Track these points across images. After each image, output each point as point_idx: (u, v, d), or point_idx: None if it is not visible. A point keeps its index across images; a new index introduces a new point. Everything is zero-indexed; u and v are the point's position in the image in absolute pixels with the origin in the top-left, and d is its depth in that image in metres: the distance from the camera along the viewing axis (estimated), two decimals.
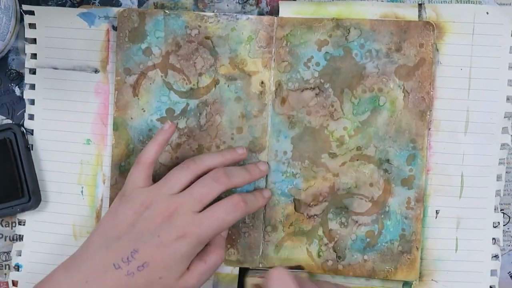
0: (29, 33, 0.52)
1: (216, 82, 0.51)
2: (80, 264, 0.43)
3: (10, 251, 0.52)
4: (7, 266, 0.53)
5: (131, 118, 0.51)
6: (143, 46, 0.51)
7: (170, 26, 0.51)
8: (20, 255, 0.52)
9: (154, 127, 0.51)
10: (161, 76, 0.51)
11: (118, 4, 0.52)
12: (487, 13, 0.50)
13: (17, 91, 0.53)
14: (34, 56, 0.52)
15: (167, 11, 0.51)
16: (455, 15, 0.50)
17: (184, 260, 0.44)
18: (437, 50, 0.50)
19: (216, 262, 0.46)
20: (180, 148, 0.51)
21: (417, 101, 0.50)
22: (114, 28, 0.51)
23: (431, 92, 0.50)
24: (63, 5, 0.52)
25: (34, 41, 0.52)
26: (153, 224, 0.43)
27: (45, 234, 0.51)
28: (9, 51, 0.53)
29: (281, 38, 0.50)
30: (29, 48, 0.52)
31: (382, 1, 0.51)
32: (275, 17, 0.50)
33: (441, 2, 0.51)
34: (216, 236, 0.46)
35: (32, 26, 0.52)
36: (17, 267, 0.52)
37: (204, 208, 0.44)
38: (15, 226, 0.53)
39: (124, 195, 0.45)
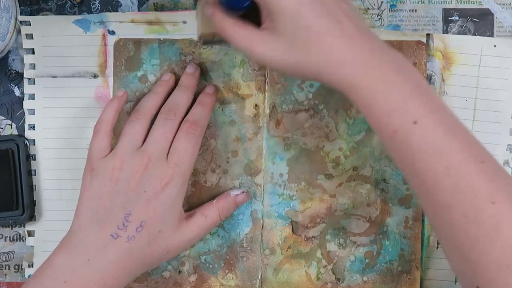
0: (26, 44, 0.52)
1: None
2: (76, 246, 0.43)
3: (10, 251, 0.52)
4: (7, 266, 0.53)
5: None
6: (139, 73, 0.51)
7: (165, 53, 0.51)
8: (32, 266, 0.52)
9: None
10: None
11: (118, 4, 0.53)
12: (495, 45, 0.50)
13: (17, 91, 0.53)
14: (32, 66, 0.52)
15: (161, 39, 0.51)
16: (462, 46, 0.50)
17: (176, 203, 0.45)
18: (443, 80, 0.50)
19: (216, 219, 0.47)
20: None
21: None
22: (110, 33, 0.52)
23: None
24: (63, 5, 0.53)
25: (32, 51, 0.52)
26: (134, 182, 0.44)
27: (56, 243, 0.51)
28: (9, 51, 0.53)
29: None
30: (27, 59, 0.52)
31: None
32: None
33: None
34: (223, 195, 0.49)
35: (29, 36, 0.52)
36: None
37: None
38: (15, 226, 0.53)
39: (92, 168, 0.45)
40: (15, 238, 0.53)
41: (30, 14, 0.53)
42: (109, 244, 0.43)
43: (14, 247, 0.52)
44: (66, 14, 0.53)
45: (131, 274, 0.44)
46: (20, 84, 0.53)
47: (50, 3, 0.53)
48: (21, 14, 0.53)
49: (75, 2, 0.53)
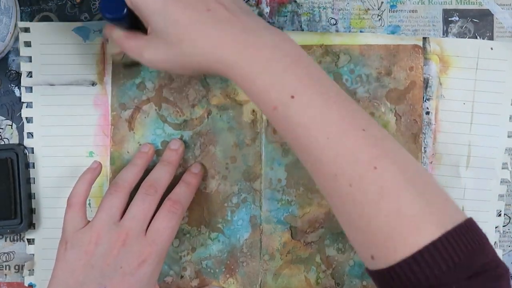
0: (24, 52, 0.52)
1: (208, 113, 0.51)
2: None
3: (11, 252, 0.53)
4: (7, 267, 0.53)
5: (128, 152, 0.52)
6: (137, 81, 0.51)
7: None
8: (33, 274, 0.52)
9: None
10: (155, 110, 0.51)
11: None
12: (491, 48, 0.50)
13: (17, 91, 0.53)
14: (29, 74, 0.52)
15: None
16: (459, 49, 0.50)
17: (151, 281, 0.44)
18: (441, 84, 0.50)
19: None
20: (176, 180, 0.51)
21: (409, 124, 0.50)
22: (108, 41, 0.52)
23: (433, 114, 0.50)
24: (64, 5, 0.53)
25: (29, 59, 0.52)
26: (110, 257, 0.43)
27: (54, 251, 0.51)
28: (9, 52, 0.53)
29: None
30: (24, 67, 0.52)
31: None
32: None
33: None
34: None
35: (27, 44, 0.52)
36: (31, 287, 0.52)
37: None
38: (13, 235, 0.53)
39: (67, 241, 0.45)
40: (15, 239, 0.53)
41: (30, 15, 0.53)
42: None
43: (14, 247, 0.53)
44: (66, 15, 0.53)
45: None
46: (20, 85, 0.53)
47: (50, 4, 0.53)
48: (21, 14, 0.53)
49: (75, 3, 0.53)
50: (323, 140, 0.36)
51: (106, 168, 0.52)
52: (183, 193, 0.48)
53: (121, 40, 0.43)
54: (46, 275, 0.52)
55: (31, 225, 0.52)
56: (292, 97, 0.37)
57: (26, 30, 0.52)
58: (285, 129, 0.38)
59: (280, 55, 0.38)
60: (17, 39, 0.53)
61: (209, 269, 0.51)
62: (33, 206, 0.52)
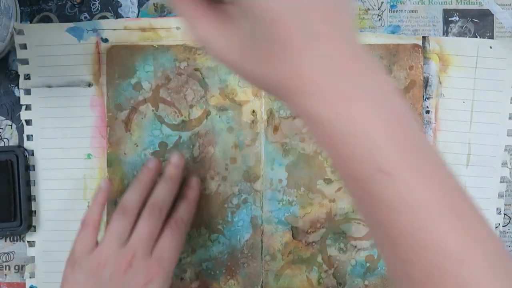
0: (20, 54, 0.52)
1: (207, 113, 0.51)
2: None
3: (11, 252, 0.53)
4: (7, 267, 0.53)
5: (125, 154, 0.51)
6: (133, 81, 0.51)
7: (159, 60, 0.50)
8: (34, 277, 0.52)
9: None
10: (152, 110, 0.51)
11: (118, 5, 0.52)
12: (491, 47, 0.50)
13: (17, 92, 0.53)
14: (27, 76, 0.52)
15: (155, 46, 0.50)
16: (458, 48, 0.50)
17: None
18: (440, 83, 0.50)
19: None
20: None
21: None
22: (103, 40, 0.51)
23: (432, 114, 0.50)
24: (64, 5, 0.52)
25: (26, 61, 0.52)
26: (118, 277, 0.43)
27: (56, 253, 0.51)
28: (9, 52, 0.52)
29: None
30: (22, 69, 0.52)
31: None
32: None
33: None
34: None
35: (23, 46, 0.51)
36: None
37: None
38: (13, 237, 0.53)
39: (76, 262, 0.45)
40: (15, 239, 0.53)
41: (30, 15, 0.52)
42: None
43: (14, 247, 0.52)
44: (66, 15, 0.52)
45: None
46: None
47: (50, 4, 0.52)
48: (21, 14, 0.52)
49: (75, 3, 0.52)
50: (409, 224, 0.30)
51: (104, 170, 0.51)
52: (184, 210, 0.48)
53: (188, 14, 0.30)
54: (47, 277, 0.52)
55: (31, 227, 0.52)
56: (386, 173, 0.29)
57: (20, 32, 0.51)
58: (365, 202, 0.30)
59: (379, 113, 0.29)
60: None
61: (209, 271, 0.51)
62: (33, 209, 0.52)
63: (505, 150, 0.50)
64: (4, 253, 0.53)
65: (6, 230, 0.51)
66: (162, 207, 0.46)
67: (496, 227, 0.51)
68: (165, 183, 0.48)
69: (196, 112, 0.51)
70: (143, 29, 0.51)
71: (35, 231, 0.52)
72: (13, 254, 0.53)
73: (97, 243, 0.45)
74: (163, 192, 0.47)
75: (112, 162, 0.51)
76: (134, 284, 0.43)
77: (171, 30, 0.51)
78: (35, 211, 0.52)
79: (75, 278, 0.44)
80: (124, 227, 0.45)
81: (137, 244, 0.44)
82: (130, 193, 0.47)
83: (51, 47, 0.51)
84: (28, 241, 0.52)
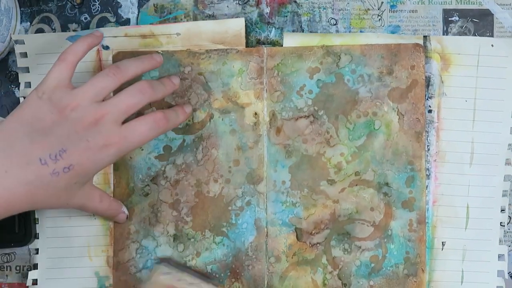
0: (21, 62, 0.52)
1: (210, 116, 0.51)
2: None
3: (11, 252, 0.53)
4: (8, 268, 0.53)
5: (130, 158, 0.51)
6: None
7: (164, 65, 0.51)
8: (36, 284, 0.52)
9: (152, 165, 0.51)
10: None
11: (118, 5, 0.53)
12: (492, 45, 0.50)
13: (17, 92, 0.53)
14: (28, 84, 0.52)
15: (159, 51, 0.51)
16: (460, 47, 0.50)
17: (99, 168, 0.44)
18: (442, 82, 0.50)
19: (103, 212, 0.48)
20: (179, 185, 0.51)
21: (412, 123, 0.50)
22: (104, 47, 0.52)
23: (437, 112, 0.50)
24: (64, 6, 0.53)
25: (27, 69, 0.52)
26: (80, 127, 0.42)
27: (60, 259, 0.51)
28: (9, 53, 0.53)
29: (272, 68, 0.51)
30: (23, 77, 0.52)
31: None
32: (265, 47, 0.51)
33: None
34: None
35: (23, 55, 0.52)
36: None
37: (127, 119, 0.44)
38: (17, 248, 0.53)
39: (44, 92, 0.43)
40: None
41: (30, 16, 0.53)
42: (32, 164, 0.41)
43: (15, 248, 0.53)
44: (66, 16, 0.53)
45: (33, 206, 0.42)
46: (20, 86, 0.53)
47: (50, 4, 0.53)
48: (21, 15, 0.53)
49: (75, 3, 0.53)
50: None
51: (109, 176, 0.52)
52: (175, 117, 0.47)
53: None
54: (50, 285, 0.52)
55: (30, 238, 0.52)
56: None
57: (21, 42, 0.52)
58: None
59: None
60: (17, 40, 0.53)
61: (214, 274, 0.51)
62: (36, 216, 0.52)
63: (509, 148, 0.50)
64: (5, 254, 0.53)
65: (7, 241, 0.51)
66: (154, 92, 0.45)
67: (501, 226, 0.50)
68: (162, 85, 0.47)
69: (200, 115, 0.51)
70: (144, 36, 0.52)
71: (38, 238, 0.52)
72: (14, 255, 0.53)
73: (71, 86, 0.44)
74: (161, 81, 0.47)
75: (118, 166, 0.51)
76: (93, 141, 0.42)
77: (172, 37, 0.52)
78: (37, 218, 0.52)
79: (39, 105, 0.43)
80: (107, 86, 0.44)
81: (112, 108, 0.43)
82: (129, 62, 0.46)
83: (52, 55, 0.51)
84: (30, 249, 0.52)
